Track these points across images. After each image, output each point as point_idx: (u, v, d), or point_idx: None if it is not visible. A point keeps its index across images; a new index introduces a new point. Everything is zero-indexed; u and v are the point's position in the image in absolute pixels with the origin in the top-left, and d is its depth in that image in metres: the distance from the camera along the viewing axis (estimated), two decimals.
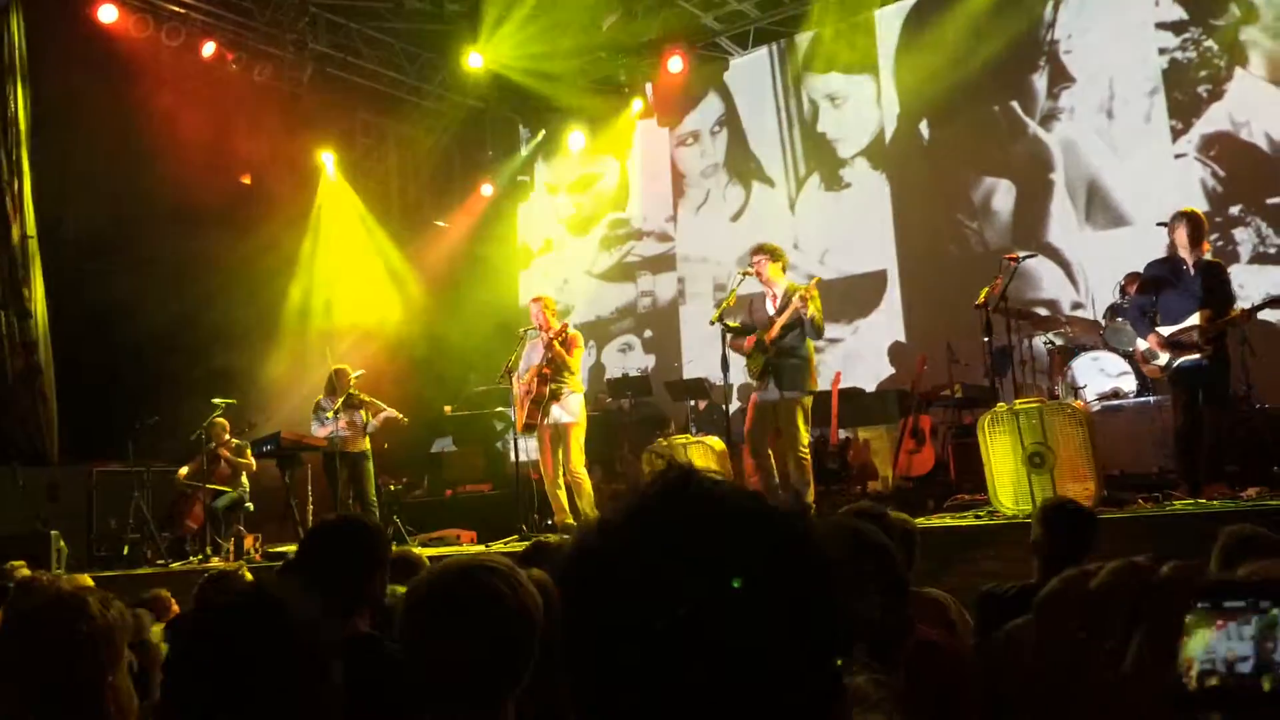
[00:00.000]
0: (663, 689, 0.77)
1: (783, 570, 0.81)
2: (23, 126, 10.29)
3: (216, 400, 10.08)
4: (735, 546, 0.81)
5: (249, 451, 10.03)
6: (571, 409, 8.02)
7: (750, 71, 13.65)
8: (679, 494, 0.85)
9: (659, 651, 0.77)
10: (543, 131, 14.98)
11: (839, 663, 0.83)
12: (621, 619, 0.79)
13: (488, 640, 1.70)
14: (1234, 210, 10.21)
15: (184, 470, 10.00)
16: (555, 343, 7.98)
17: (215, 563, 8.91)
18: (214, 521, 9.85)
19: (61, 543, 8.75)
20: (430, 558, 5.25)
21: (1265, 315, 7.63)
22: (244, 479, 10.09)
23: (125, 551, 9.76)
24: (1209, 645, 0.93)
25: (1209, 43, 10.51)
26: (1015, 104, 11.54)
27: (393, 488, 11.54)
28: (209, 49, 11.62)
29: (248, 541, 9.19)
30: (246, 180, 12.57)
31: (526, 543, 7.87)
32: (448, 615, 1.71)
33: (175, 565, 9.20)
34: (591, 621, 0.82)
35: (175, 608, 4.68)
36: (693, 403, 11.43)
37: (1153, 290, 6.73)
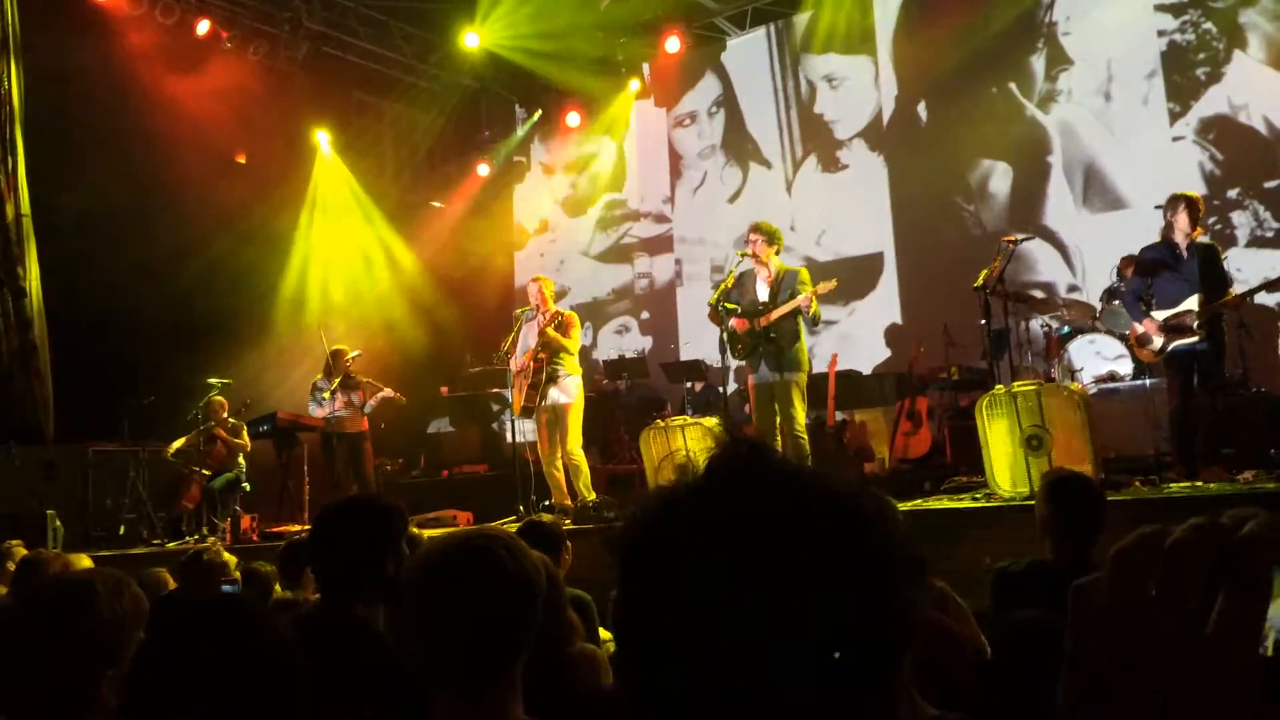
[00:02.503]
0: (720, 669, 0.75)
1: (853, 553, 0.78)
2: (16, 104, 10.23)
3: (213, 380, 10.07)
4: (807, 528, 0.78)
5: (245, 432, 10.02)
6: (569, 390, 8.00)
7: (748, 52, 13.60)
8: (748, 469, 0.82)
9: (719, 632, 0.75)
10: (539, 111, 14.91)
11: (903, 650, 0.81)
12: (684, 597, 0.77)
13: (491, 609, 1.68)
14: (1232, 194, 10.20)
15: (175, 445, 9.95)
16: (549, 329, 7.94)
17: (211, 542, 8.91)
18: (210, 502, 9.84)
19: (58, 522, 8.75)
20: (428, 538, 5.25)
21: (1261, 299, 7.64)
22: (240, 459, 10.08)
23: (121, 531, 9.77)
24: None
25: (1208, 25, 10.48)
26: (1013, 86, 11.51)
27: (389, 468, 11.55)
28: (203, 27, 11.57)
29: (244, 522, 9.19)
30: (241, 159, 12.54)
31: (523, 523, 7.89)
32: (450, 586, 1.68)
33: (171, 545, 9.20)
34: (651, 598, 0.79)
35: (172, 587, 4.67)
36: (689, 384, 11.43)
37: (1148, 274, 6.73)
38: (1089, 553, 3.27)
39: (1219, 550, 0.78)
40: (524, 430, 8.75)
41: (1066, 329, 9.15)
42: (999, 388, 6.61)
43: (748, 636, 0.75)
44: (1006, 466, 6.35)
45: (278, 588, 4.39)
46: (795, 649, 0.75)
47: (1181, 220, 6.50)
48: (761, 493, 0.80)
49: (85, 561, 4.71)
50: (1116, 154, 10.85)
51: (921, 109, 12.22)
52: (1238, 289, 6.68)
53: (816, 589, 0.76)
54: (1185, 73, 10.55)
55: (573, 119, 14.35)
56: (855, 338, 12.12)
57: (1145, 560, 0.80)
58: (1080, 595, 0.85)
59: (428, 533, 6.82)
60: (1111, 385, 8.35)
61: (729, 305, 7.45)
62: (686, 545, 0.79)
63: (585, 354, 13.28)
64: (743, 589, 0.75)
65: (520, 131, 15.38)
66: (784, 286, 7.25)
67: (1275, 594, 0.93)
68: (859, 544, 0.79)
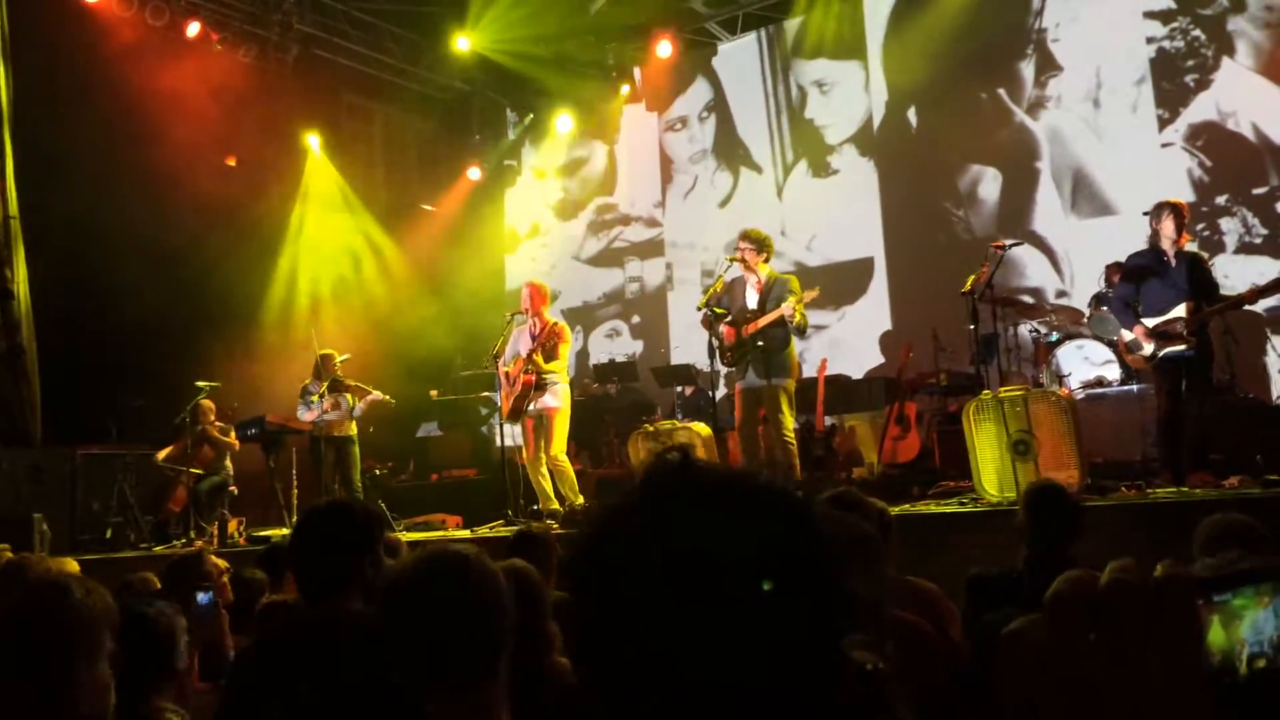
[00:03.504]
0: (672, 673, 0.77)
1: (785, 551, 0.81)
2: (5, 105, 10.19)
3: (201, 383, 10.03)
4: (739, 530, 0.80)
5: (233, 433, 9.99)
6: (557, 395, 8.01)
7: (739, 57, 13.62)
8: (679, 481, 0.84)
9: (667, 637, 0.77)
10: (530, 115, 14.92)
11: (841, 640, 0.82)
12: (629, 608, 0.79)
13: (460, 620, 1.79)
14: (1220, 200, 10.24)
15: (162, 453, 9.93)
16: (536, 356, 7.92)
17: (199, 545, 8.88)
18: (197, 505, 9.80)
19: (44, 525, 8.70)
20: (414, 542, 5.26)
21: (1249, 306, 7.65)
22: (228, 462, 10.05)
23: (108, 535, 9.72)
24: (1256, 627, 0.92)
25: (1196, 32, 10.53)
26: (1002, 92, 11.55)
27: (378, 472, 11.52)
28: (193, 29, 11.52)
29: (231, 525, 9.16)
30: (231, 162, 12.47)
31: (512, 528, 7.88)
32: (424, 598, 1.81)
33: (158, 549, 9.15)
34: (600, 611, 0.82)
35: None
36: (679, 389, 11.44)
37: (1135, 280, 6.75)
38: (1063, 560, 3.30)
39: (1144, 593, 0.80)
40: (513, 434, 8.74)
41: (1055, 334, 9.18)
42: (986, 393, 6.63)
43: (697, 640, 0.76)
44: (994, 471, 6.36)
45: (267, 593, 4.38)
46: (741, 645, 0.77)
47: (1167, 228, 6.53)
48: (690, 503, 0.82)
49: (72, 565, 4.69)
50: (1105, 160, 10.88)
51: (912, 114, 12.25)
52: (1228, 293, 6.71)
53: (752, 586, 0.78)
54: (1174, 79, 10.60)
55: (564, 123, 14.34)
56: (845, 342, 12.13)
57: (1079, 605, 0.82)
58: (1010, 643, 0.87)
59: (413, 536, 6.82)
60: (1099, 391, 8.37)
61: (718, 310, 7.45)
62: (624, 562, 0.82)
63: (576, 357, 13.28)
64: (683, 594, 0.77)
65: (511, 135, 15.38)
66: (773, 295, 7.26)
67: (1244, 614, 0.94)
68: (790, 540, 0.82)
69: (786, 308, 7.04)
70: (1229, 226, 10.20)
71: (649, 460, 0.88)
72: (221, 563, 4.35)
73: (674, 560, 0.79)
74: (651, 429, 8.11)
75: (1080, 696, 0.83)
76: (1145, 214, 6.84)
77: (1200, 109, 10.43)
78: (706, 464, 0.86)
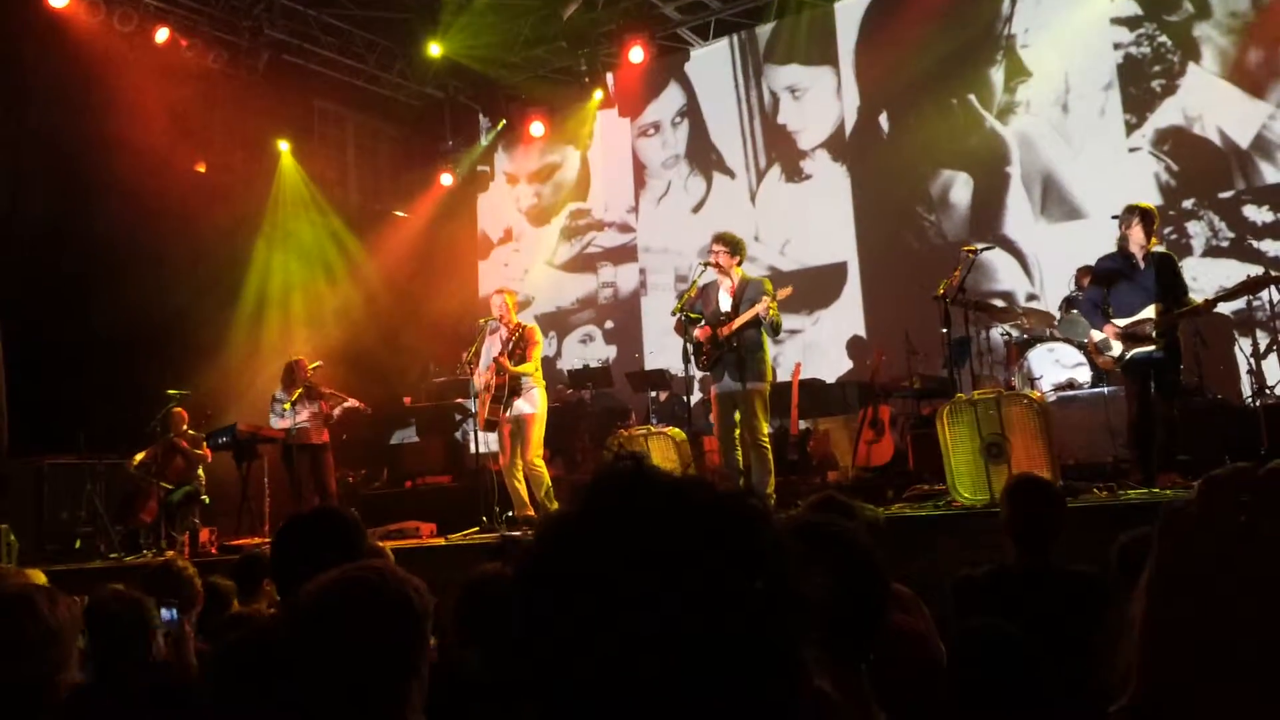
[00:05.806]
0: (623, 685, 0.77)
1: (736, 557, 0.81)
2: None
3: (172, 391, 9.94)
4: (690, 538, 0.80)
5: (204, 444, 9.91)
6: (533, 401, 7.99)
7: (711, 63, 13.66)
8: (630, 488, 0.84)
9: (617, 647, 0.77)
10: (503, 121, 14.87)
11: (800, 642, 0.83)
12: (578, 619, 0.79)
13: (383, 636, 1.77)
14: (1187, 204, 10.36)
15: (138, 457, 9.82)
16: (506, 361, 7.90)
17: (170, 556, 8.79)
18: (169, 515, 9.71)
19: (12, 536, 8.59)
20: (391, 550, 5.22)
21: (1218, 307, 7.74)
22: (200, 471, 9.96)
23: (77, 545, 9.62)
24: None
25: (1163, 38, 10.65)
26: (973, 97, 11.63)
27: (351, 479, 11.45)
28: (162, 35, 11.41)
29: (203, 535, 9.08)
30: (201, 168, 12.38)
31: (489, 535, 7.87)
32: (336, 620, 1.77)
33: (129, 559, 9.06)
34: (549, 622, 0.81)
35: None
36: (654, 394, 11.43)
37: (1105, 283, 6.81)
38: (1048, 554, 3.31)
39: None
40: (487, 441, 8.71)
41: (1026, 337, 9.24)
42: (960, 396, 6.66)
43: (648, 649, 0.77)
44: (967, 474, 6.40)
45: (235, 602, 4.34)
46: (694, 655, 0.77)
47: (1136, 232, 6.60)
48: (642, 511, 0.82)
49: (40, 577, 4.63)
50: (1074, 164, 10.98)
51: (883, 120, 12.32)
52: (1194, 298, 6.78)
53: (707, 590, 0.78)
54: (1141, 85, 10.71)
55: (536, 128, 14.32)
56: (818, 346, 12.18)
57: (1237, 488, 0.84)
58: (1171, 518, 0.89)
59: (388, 544, 6.77)
60: (1070, 393, 8.43)
61: (692, 315, 7.45)
62: (574, 569, 0.81)
63: (550, 363, 13.26)
64: (634, 602, 0.78)
65: (484, 141, 15.33)
66: (746, 296, 7.26)
67: None
68: (743, 544, 0.82)
69: (761, 307, 7.05)
70: (1196, 230, 10.31)
71: (600, 467, 0.88)
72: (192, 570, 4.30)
73: (625, 567, 0.79)
74: (626, 434, 8.10)
75: (1226, 578, 0.85)
76: (1114, 218, 6.90)
77: (1167, 114, 10.55)
78: (658, 470, 0.86)
